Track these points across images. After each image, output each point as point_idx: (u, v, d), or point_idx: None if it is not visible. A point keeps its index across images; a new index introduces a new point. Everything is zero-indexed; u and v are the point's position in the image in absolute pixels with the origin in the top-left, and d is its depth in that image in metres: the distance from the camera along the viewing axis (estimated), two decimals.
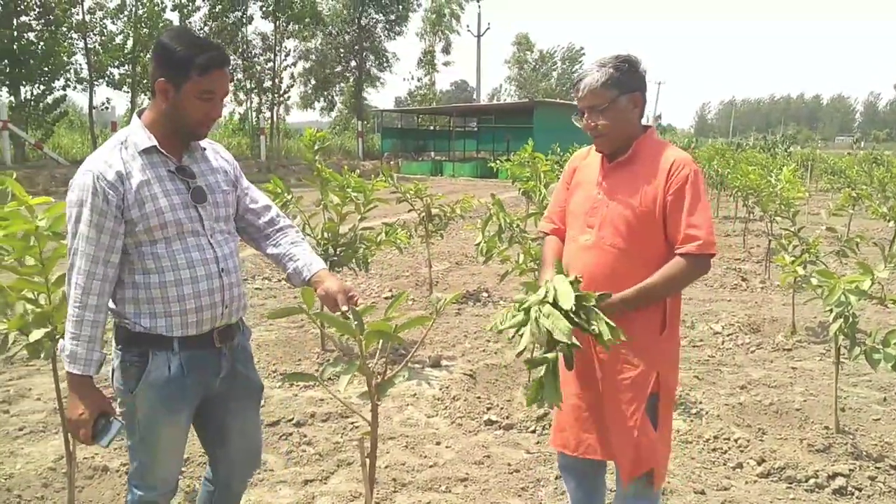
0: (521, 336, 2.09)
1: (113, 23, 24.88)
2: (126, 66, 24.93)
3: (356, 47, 39.55)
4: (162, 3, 25.38)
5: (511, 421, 4.31)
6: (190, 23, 27.14)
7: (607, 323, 2.09)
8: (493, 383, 4.95)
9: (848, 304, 3.64)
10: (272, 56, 31.86)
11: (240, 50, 30.45)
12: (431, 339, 5.95)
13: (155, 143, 2.10)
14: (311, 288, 1.86)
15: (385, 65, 41.53)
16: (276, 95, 32.33)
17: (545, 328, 2.03)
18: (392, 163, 27.86)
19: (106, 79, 24.72)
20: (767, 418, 4.36)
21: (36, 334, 2.39)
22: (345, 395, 4.63)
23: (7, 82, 21.58)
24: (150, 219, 2.05)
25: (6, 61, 21.08)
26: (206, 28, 28.63)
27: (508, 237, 4.99)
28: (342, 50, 39.92)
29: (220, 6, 28.49)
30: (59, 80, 22.94)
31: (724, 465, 3.82)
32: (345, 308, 2.09)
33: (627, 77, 2.34)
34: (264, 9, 30.27)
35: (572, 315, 2.07)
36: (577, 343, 2.07)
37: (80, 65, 24.10)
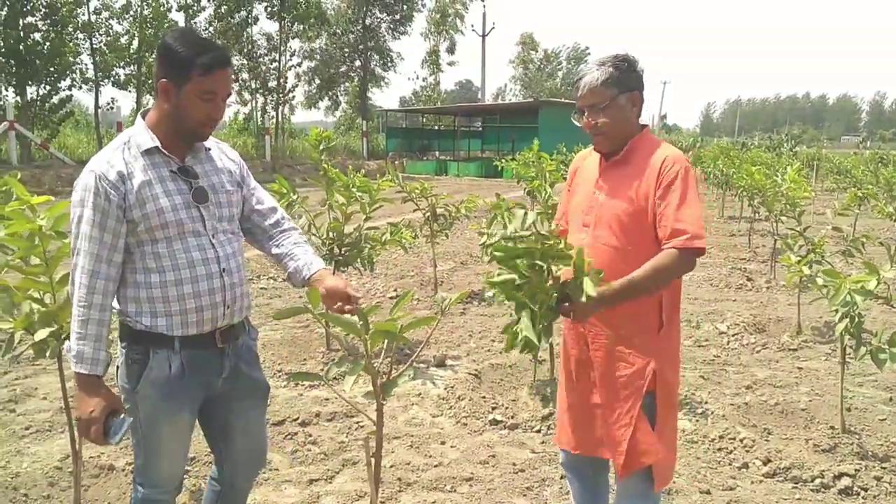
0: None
1: (119, 23, 24.95)
2: (131, 67, 24.95)
3: (361, 47, 39.57)
4: (167, 3, 25.42)
5: (516, 420, 4.31)
6: (195, 23, 27.19)
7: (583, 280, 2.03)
8: (498, 383, 4.94)
9: (854, 304, 3.63)
10: (277, 56, 31.89)
11: (245, 50, 30.47)
12: (436, 339, 5.95)
13: (157, 143, 2.11)
14: (316, 288, 1.86)
15: (389, 64, 41.57)
16: (280, 95, 32.36)
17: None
18: (397, 162, 27.84)
19: (111, 79, 24.77)
20: (773, 418, 4.35)
21: (41, 333, 2.40)
22: (350, 395, 4.64)
23: (13, 82, 21.61)
24: (151, 219, 2.06)
25: (12, 61, 21.12)
26: (212, 28, 28.64)
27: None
28: (347, 50, 39.94)
29: (225, 6, 28.50)
30: (64, 80, 22.97)
31: (730, 464, 3.81)
32: (349, 308, 2.09)
33: (626, 76, 2.36)
34: (269, 9, 30.28)
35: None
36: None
37: (86, 65, 24.17)
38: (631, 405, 2.34)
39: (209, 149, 2.29)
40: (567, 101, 35.85)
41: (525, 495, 3.50)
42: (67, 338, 2.41)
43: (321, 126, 6.38)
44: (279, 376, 5.04)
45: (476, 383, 4.92)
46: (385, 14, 39.80)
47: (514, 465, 3.78)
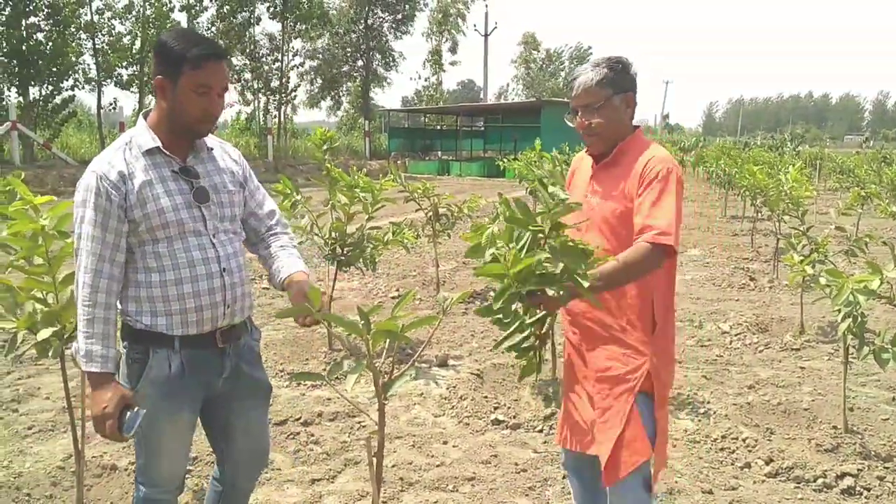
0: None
1: (121, 23, 25.03)
2: (134, 67, 25.00)
3: (363, 47, 39.58)
4: (170, 3, 25.47)
5: (518, 420, 4.31)
6: (198, 23, 27.23)
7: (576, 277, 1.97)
8: (500, 383, 4.94)
9: (857, 304, 3.62)
10: (279, 56, 31.92)
11: (247, 50, 30.51)
12: (438, 339, 5.95)
13: (158, 143, 2.12)
14: (317, 288, 1.86)
15: (392, 64, 41.59)
16: (283, 95, 32.38)
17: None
18: (399, 162, 27.85)
19: (114, 79, 24.83)
20: (775, 418, 4.35)
21: (44, 333, 2.40)
22: (352, 395, 4.64)
23: (16, 82, 21.67)
24: (152, 218, 2.07)
25: (15, 62, 21.17)
26: (214, 28, 28.68)
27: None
28: (349, 49, 39.96)
29: (227, 7, 28.54)
30: (67, 80, 23.03)
31: (732, 464, 3.81)
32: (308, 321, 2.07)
33: (621, 77, 2.36)
34: (272, 9, 30.31)
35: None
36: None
37: (89, 65, 24.22)
38: (622, 405, 2.33)
39: (211, 149, 2.29)
40: (570, 101, 35.81)
41: (527, 495, 3.49)
42: (70, 338, 2.42)
43: (323, 126, 6.38)
44: (281, 376, 5.04)
45: (478, 383, 4.92)
46: (387, 14, 39.85)
47: (517, 464, 3.78)
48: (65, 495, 3.38)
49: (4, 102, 21.11)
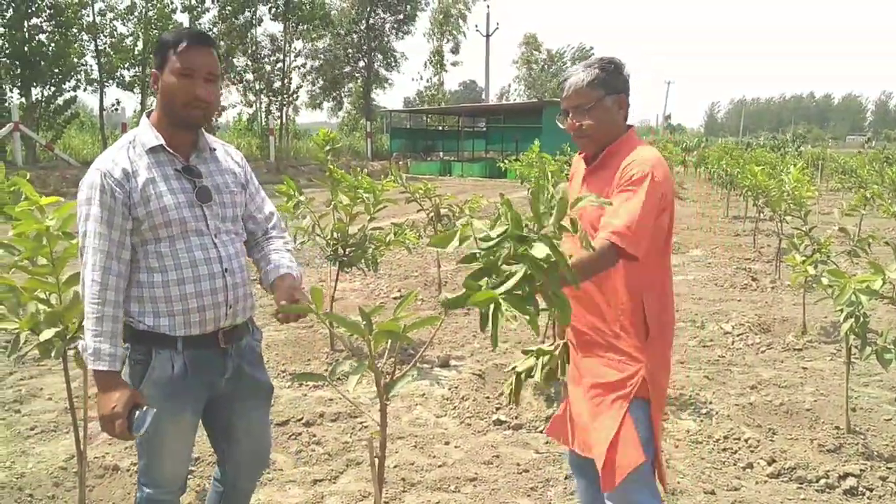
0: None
1: (123, 24, 25.06)
2: (136, 68, 25.05)
3: (364, 47, 39.59)
4: (172, 4, 25.51)
5: (520, 421, 4.31)
6: (199, 24, 27.26)
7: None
8: (502, 383, 4.94)
9: (859, 304, 3.62)
10: (281, 57, 31.95)
11: (249, 51, 30.54)
12: (440, 339, 5.95)
13: (162, 142, 2.13)
14: (319, 288, 1.86)
15: (393, 65, 41.59)
16: (285, 96, 32.41)
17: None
18: (401, 163, 27.88)
19: (116, 80, 24.88)
20: (778, 418, 4.34)
21: (47, 334, 2.40)
22: (354, 396, 4.65)
23: (18, 83, 21.72)
24: (155, 216, 2.07)
25: (17, 63, 21.21)
26: (216, 29, 28.71)
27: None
28: (350, 50, 39.97)
29: (229, 8, 28.57)
30: (69, 81, 23.08)
31: (735, 465, 3.81)
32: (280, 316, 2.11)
33: (613, 78, 2.33)
34: (274, 10, 30.34)
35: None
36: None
37: (91, 66, 24.27)
38: (615, 411, 2.30)
39: (214, 149, 2.30)
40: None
41: (529, 495, 3.49)
42: (73, 339, 2.42)
43: (325, 127, 6.40)
44: (283, 376, 5.04)
45: (480, 383, 4.92)
46: (388, 14, 39.83)
47: (519, 465, 3.78)
48: (67, 496, 3.38)
49: (7, 104, 21.13)
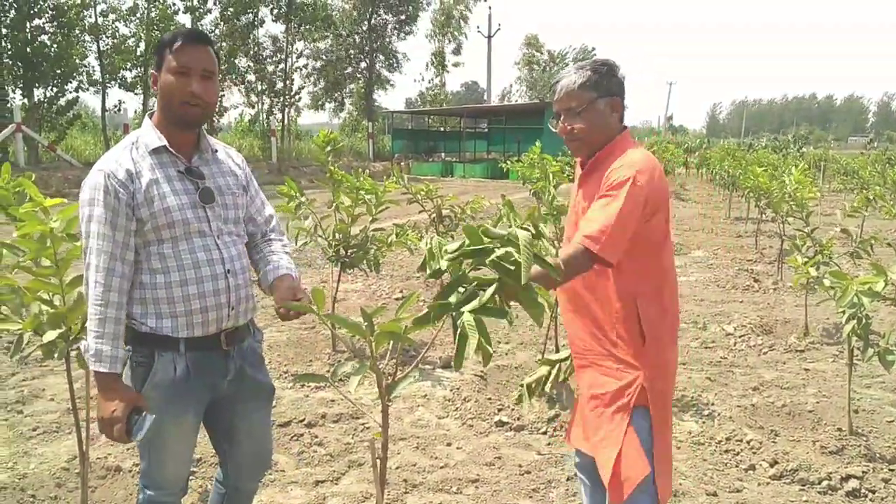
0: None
1: (125, 25, 25.16)
2: (138, 69, 25.11)
3: (366, 48, 39.60)
4: (174, 5, 25.56)
5: (522, 422, 4.30)
6: (201, 25, 27.29)
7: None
8: (504, 384, 4.94)
9: (861, 306, 3.61)
10: (283, 58, 31.97)
11: (251, 52, 30.57)
12: (442, 340, 5.94)
13: (164, 143, 2.13)
14: (320, 289, 1.86)
15: (395, 65, 41.59)
16: (287, 97, 32.43)
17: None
18: (402, 164, 27.85)
19: (118, 81, 24.94)
20: (780, 420, 4.34)
21: (50, 335, 2.40)
22: (355, 397, 4.65)
23: (20, 84, 21.76)
24: (158, 217, 2.07)
25: (20, 64, 21.27)
26: (217, 30, 28.75)
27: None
28: (352, 51, 39.98)
29: (231, 9, 28.60)
30: (71, 82, 23.14)
31: (737, 466, 3.80)
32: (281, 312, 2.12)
33: (606, 80, 2.27)
34: (276, 12, 30.38)
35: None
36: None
37: (93, 67, 24.36)
38: (618, 423, 2.26)
39: (216, 150, 2.30)
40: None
41: (531, 497, 3.49)
42: (76, 340, 2.42)
43: (327, 128, 6.40)
44: (285, 377, 5.05)
45: (482, 385, 4.91)
46: (390, 15, 39.84)
47: (521, 466, 3.78)
48: (69, 497, 3.39)
49: (9, 104, 21.16)
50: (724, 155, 18.86)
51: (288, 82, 32.35)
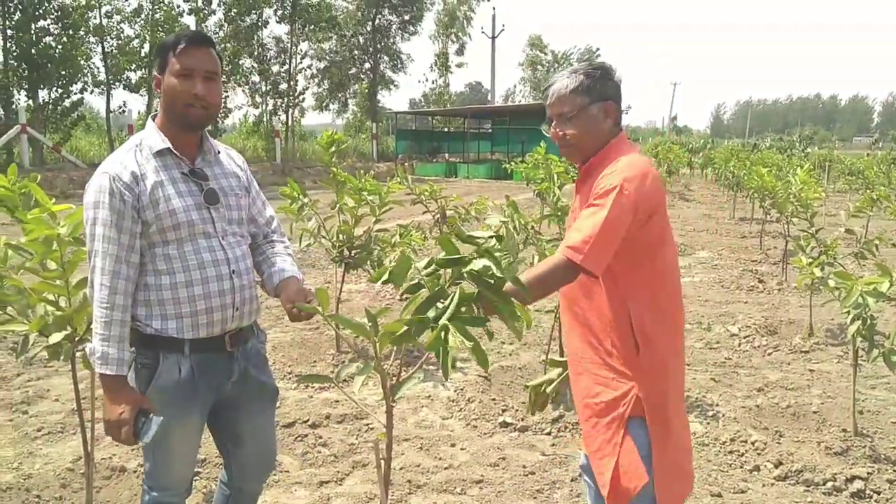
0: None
1: (130, 27, 25.20)
2: (143, 70, 25.16)
3: (370, 49, 39.64)
4: (178, 7, 25.61)
5: (526, 423, 4.30)
6: (205, 26, 27.35)
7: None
8: (508, 385, 4.94)
9: (866, 306, 3.61)
10: (287, 59, 32.01)
11: (255, 53, 30.62)
12: None
13: (168, 145, 2.13)
14: (324, 290, 1.87)
15: (399, 66, 41.61)
16: (291, 98, 32.48)
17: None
18: (406, 164, 27.88)
19: (123, 82, 25.00)
20: (784, 421, 4.33)
21: (56, 336, 2.41)
22: (359, 397, 4.65)
23: (25, 86, 21.82)
24: (164, 219, 2.08)
25: (24, 65, 21.32)
26: (221, 32, 28.79)
27: (523, 239, 4.99)
28: (356, 52, 40.01)
29: (235, 10, 28.65)
30: (76, 83, 23.18)
31: (741, 467, 3.80)
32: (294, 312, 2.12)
33: (600, 84, 2.22)
34: (280, 13, 30.42)
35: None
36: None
37: (98, 68, 24.42)
38: (613, 433, 2.21)
39: (219, 152, 2.30)
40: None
41: (535, 498, 3.49)
42: (81, 341, 2.43)
43: (331, 128, 6.41)
44: (289, 378, 5.05)
45: (486, 385, 4.92)
46: (394, 16, 39.87)
47: (524, 467, 3.78)
48: (74, 497, 3.40)
49: (14, 106, 21.24)
50: (729, 155, 18.83)
51: (292, 83, 32.39)
